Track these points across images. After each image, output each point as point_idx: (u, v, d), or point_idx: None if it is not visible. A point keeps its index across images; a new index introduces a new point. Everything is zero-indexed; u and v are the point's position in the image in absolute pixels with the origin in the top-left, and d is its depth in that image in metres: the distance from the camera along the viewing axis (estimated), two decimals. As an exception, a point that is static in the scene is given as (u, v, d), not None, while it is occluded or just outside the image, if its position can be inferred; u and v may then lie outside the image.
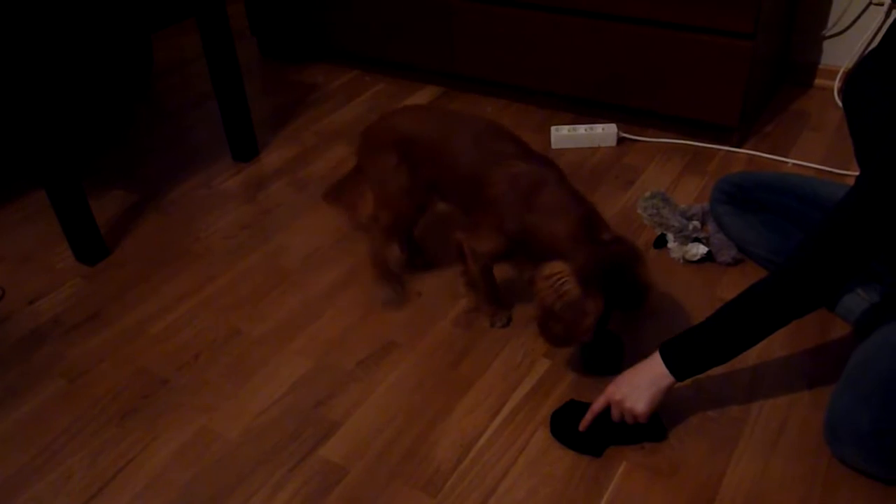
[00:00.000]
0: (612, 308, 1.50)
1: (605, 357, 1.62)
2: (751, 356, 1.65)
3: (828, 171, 2.19)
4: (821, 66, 2.63)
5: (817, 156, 2.28)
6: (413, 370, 1.68)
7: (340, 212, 1.94)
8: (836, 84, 2.58)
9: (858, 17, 2.49)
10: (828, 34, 2.57)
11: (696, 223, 1.94)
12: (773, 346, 1.67)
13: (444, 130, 1.68)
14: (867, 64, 1.40)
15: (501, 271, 1.77)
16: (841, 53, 2.57)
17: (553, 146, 2.42)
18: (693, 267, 1.90)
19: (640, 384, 1.41)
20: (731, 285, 1.83)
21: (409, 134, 1.70)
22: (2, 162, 2.50)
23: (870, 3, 2.44)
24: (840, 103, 2.53)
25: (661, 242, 1.96)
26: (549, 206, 1.51)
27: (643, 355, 1.70)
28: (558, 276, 1.42)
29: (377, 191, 1.76)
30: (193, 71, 3.07)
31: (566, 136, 2.42)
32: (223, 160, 2.48)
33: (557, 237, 1.47)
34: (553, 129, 2.43)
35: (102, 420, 1.61)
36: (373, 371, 1.68)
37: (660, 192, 2.06)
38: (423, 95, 2.80)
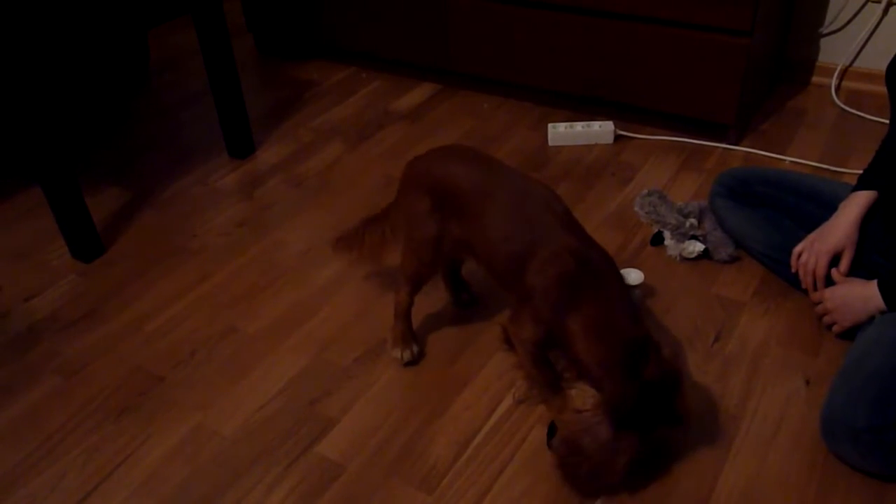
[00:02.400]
0: (649, 445, 1.34)
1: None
2: (747, 353, 1.65)
3: (825, 169, 2.19)
4: (818, 64, 2.63)
5: (814, 153, 2.28)
6: (409, 368, 1.68)
7: (352, 258, 1.79)
8: (834, 81, 2.58)
9: (856, 14, 2.49)
10: (825, 31, 2.57)
11: (693, 220, 1.94)
12: (770, 343, 1.67)
13: (484, 186, 1.48)
14: None
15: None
16: (838, 51, 2.57)
17: (550, 143, 2.42)
18: (690, 264, 1.90)
19: (856, 303, 1.56)
20: (728, 282, 1.83)
21: (446, 182, 1.52)
22: (-3, 159, 2.50)
23: (867, 1, 2.44)
24: (837, 100, 2.53)
25: (657, 240, 1.96)
26: (593, 320, 1.32)
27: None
28: (590, 412, 1.30)
29: (406, 234, 1.62)
30: (189, 67, 3.06)
31: (563, 133, 2.41)
32: (219, 157, 2.47)
33: (593, 361, 1.31)
34: (550, 126, 2.43)
35: (98, 417, 1.60)
36: (369, 368, 1.68)
37: (657, 190, 2.06)
38: (419, 92, 2.79)
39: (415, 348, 1.68)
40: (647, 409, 1.29)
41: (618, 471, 1.31)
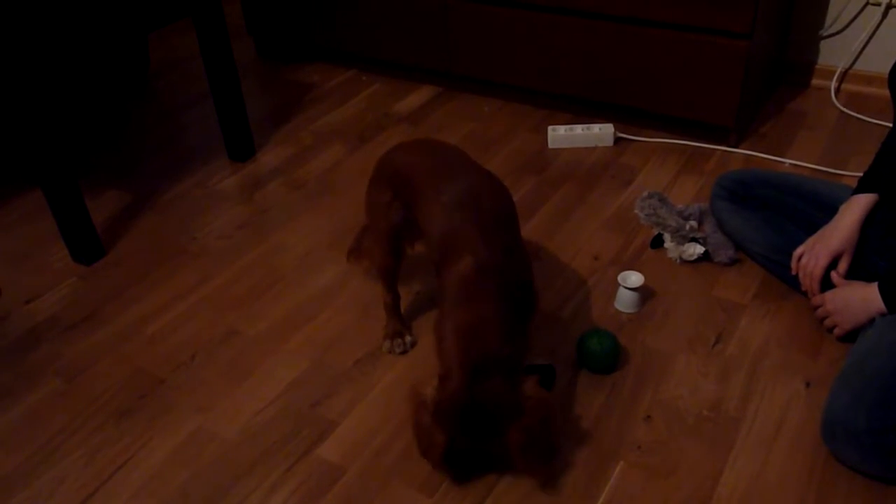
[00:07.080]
0: (475, 446, 1.38)
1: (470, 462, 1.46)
2: (747, 356, 1.65)
3: (824, 172, 2.19)
4: (818, 66, 2.63)
5: (814, 156, 2.28)
6: (410, 369, 1.68)
7: (364, 267, 1.85)
8: (833, 84, 2.58)
9: (855, 17, 2.49)
10: (825, 34, 2.57)
11: (693, 223, 1.94)
12: (770, 346, 1.67)
13: (434, 177, 1.53)
14: None
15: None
16: (838, 53, 2.57)
17: (550, 146, 2.42)
18: (690, 267, 1.90)
19: (856, 306, 1.57)
20: (728, 285, 1.83)
21: (403, 171, 1.59)
22: (-2, 161, 2.50)
23: (867, 3, 2.45)
24: (837, 102, 2.53)
25: (657, 242, 1.96)
26: (461, 328, 1.35)
27: (642, 355, 1.70)
28: (424, 403, 1.36)
29: (370, 227, 1.69)
30: (190, 70, 3.06)
31: (563, 135, 2.42)
32: (219, 160, 2.47)
33: (446, 359, 1.35)
34: (550, 128, 2.43)
35: (99, 420, 1.60)
36: (369, 371, 1.68)
37: (657, 192, 2.06)
38: (419, 95, 2.80)
39: (408, 339, 1.73)
40: (470, 423, 1.32)
41: (432, 460, 1.38)
